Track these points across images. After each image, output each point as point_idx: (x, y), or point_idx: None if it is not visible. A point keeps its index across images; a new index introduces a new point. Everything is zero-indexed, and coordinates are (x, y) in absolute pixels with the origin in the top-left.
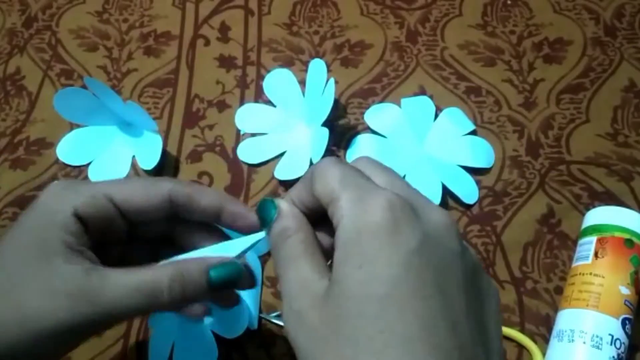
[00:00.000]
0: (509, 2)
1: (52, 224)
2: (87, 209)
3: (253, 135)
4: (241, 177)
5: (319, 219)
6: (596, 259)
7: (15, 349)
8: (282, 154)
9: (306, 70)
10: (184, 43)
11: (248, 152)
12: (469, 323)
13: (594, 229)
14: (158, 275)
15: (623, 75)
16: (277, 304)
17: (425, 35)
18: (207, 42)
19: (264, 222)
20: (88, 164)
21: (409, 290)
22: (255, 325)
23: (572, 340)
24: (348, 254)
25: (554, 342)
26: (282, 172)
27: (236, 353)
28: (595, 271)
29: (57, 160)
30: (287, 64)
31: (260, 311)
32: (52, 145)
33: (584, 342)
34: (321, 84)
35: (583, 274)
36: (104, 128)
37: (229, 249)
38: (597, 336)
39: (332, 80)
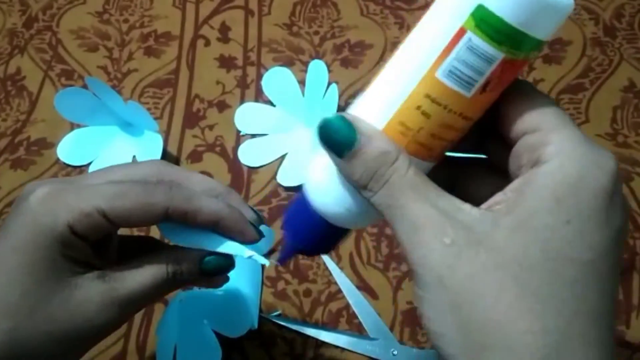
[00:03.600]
0: None
1: (52, 242)
2: (82, 226)
3: (253, 136)
4: (241, 177)
5: None
6: None
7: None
8: (282, 156)
9: (306, 71)
10: (184, 43)
11: (249, 155)
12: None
13: None
14: (161, 264)
15: (622, 75)
16: (277, 303)
17: None
18: (208, 43)
19: (340, 147)
20: (89, 164)
21: (608, 267)
22: (256, 325)
23: None
24: (558, 201)
25: None
26: (285, 177)
27: (236, 353)
28: None
29: (57, 161)
30: (288, 64)
31: (261, 311)
32: (52, 145)
33: None
34: (322, 86)
35: None
36: (105, 128)
37: (233, 248)
38: None
39: (334, 85)
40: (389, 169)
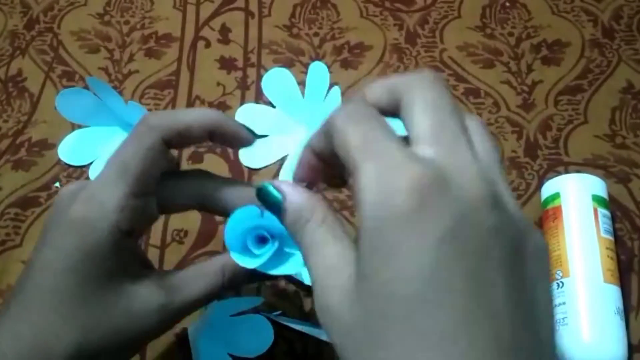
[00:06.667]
0: (507, 4)
1: (105, 251)
2: (126, 222)
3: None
4: (242, 179)
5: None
6: None
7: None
8: (283, 158)
9: (306, 72)
10: (185, 45)
11: (249, 156)
12: (510, 305)
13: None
14: (217, 273)
15: (621, 76)
16: (278, 303)
17: (425, 37)
18: (208, 44)
19: (274, 209)
20: (90, 164)
21: (440, 286)
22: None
23: None
24: (373, 247)
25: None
26: (286, 179)
27: None
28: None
29: (59, 161)
30: (288, 65)
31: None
32: (54, 146)
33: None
34: (323, 87)
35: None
36: (106, 129)
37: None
38: None
39: (337, 88)
40: (302, 231)
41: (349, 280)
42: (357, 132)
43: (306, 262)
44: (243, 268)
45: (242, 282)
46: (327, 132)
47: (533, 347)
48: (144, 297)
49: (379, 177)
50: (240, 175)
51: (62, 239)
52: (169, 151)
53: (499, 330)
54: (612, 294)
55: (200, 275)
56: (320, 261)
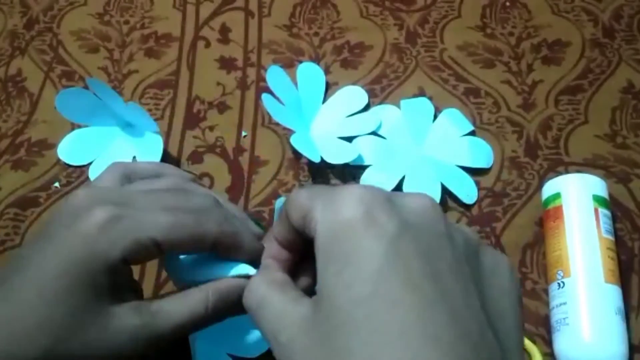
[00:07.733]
0: (507, 3)
1: (104, 269)
2: (134, 255)
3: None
4: (242, 178)
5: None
6: None
7: None
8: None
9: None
10: (185, 44)
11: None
12: (470, 308)
13: None
14: (200, 299)
15: (621, 76)
16: None
17: (425, 36)
18: (208, 44)
19: None
20: (89, 164)
21: (396, 283)
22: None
23: None
24: (327, 261)
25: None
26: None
27: None
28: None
29: (58, 162)
30: (287, 65)
31: None
32: (53, 146)
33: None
34: (318, 87)
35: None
36: (105, 128)
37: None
38: None
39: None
40: (248, 294)
41: (301, 311)
42: (304, 190)
43: (255, 321)
44: (229, 296)
45: (228, 310)
46: (284, 213)
47: (495, 352)
48: (119, 317)
49: (328, 203)
50: (240, 174)
51: (70, 244)
52: None
53: (466, 329)
54: (612, 294)
55: (183, 301)
56: (267, 312)
